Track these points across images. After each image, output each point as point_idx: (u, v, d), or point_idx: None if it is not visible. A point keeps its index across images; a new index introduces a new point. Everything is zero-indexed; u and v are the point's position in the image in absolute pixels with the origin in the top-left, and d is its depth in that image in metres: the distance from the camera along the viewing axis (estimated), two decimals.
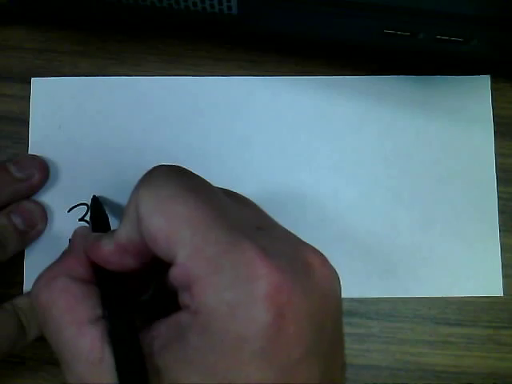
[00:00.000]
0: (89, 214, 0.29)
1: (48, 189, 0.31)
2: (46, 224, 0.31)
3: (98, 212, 0.27)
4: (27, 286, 0.30)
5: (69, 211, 0.31)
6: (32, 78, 0.32)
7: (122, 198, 0.31)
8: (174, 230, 0.19)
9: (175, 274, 0.19)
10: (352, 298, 0.31)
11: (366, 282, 0.31)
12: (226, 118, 0.32)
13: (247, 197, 0.24)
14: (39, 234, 0.30)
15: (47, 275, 0.22)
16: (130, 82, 0.32)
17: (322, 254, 0.20)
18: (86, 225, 0.29)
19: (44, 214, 0.31)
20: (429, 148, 0.32)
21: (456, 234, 0.31)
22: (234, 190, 0.24)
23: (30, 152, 0.31)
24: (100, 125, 0.32)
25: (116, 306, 0.21)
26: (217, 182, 0.31)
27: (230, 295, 0.18)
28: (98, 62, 0.32)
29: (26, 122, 0.32)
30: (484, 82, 0.32)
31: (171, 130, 0.32)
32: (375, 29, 0.28)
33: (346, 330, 0.30)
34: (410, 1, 0.25)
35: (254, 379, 0.17)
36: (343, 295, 0.31)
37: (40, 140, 0.32)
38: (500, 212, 0.31)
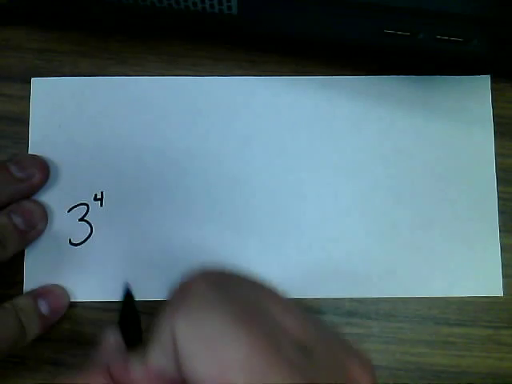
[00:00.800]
0: (121, 313, 0.25)
1: (48, 189, 0.31)
2: (47, 224, 0.31)
3: (131, 314, 0.24)
4: (27, 286, 0.30)
5: (69, 211, 0.31)
6: (32, 78, 0.32)
7: (122, 198, 0.31)
8: (227, 378, 0.17)
9: None
10: (352, 298, 0.31)
11: (365, 282, 0.31)
12: (226, 118, 0.32)
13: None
14: (39, 233, 0.30)
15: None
16: (130, 81, 0.32)
17: (368, 368, 0.19)
18: (87, 225, 0.29)
19: (44, 214, 0.30)
20: (429, 148, 0.32)
21: (456, 234, 0.31)
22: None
23: (30, 152, 0.31)
24: (100, 125, 0.32)
25: None
26: (217, 182, 0.32)
27: None
28: (98, 62, 0.32)
29: (26, 122, 0.32)
30: (484, 82, 0.32)
31: (171, 129, 0.32)
32: (375, 29, 0.28)
33: (346, 329, 0.30)
34: (410, 1, 0.25)
35: None
36: (343, 295, 0.31)
37: (40, 140, 0.32)
38: (500, 212, 0.31)
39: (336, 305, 0.31)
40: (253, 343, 0.17)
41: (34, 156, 0.31)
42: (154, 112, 0.32)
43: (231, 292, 0.19)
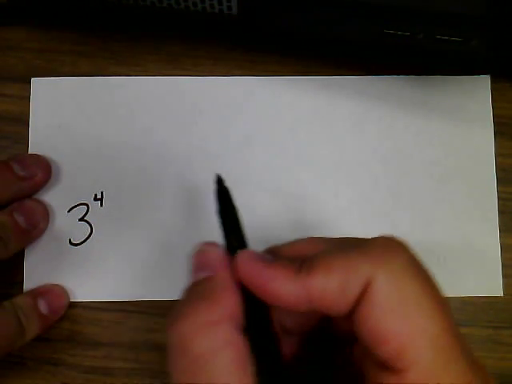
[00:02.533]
0: (218, 207, 0.21)
1: (48, 188, 0.31)
2: (48, 223, 0.31)
3: (231, 212, 0.21)
4: (27, 285, 0.30)
5: (69, 211, 0.31)
6: (32, 78, 0.32)
7: (122, 198, 0.31)
8: (415, 345, 0.17)
9: (394, 382, 0.18)
10: None
11: None
12: (226, 118, 0.32)
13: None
14: (41, 232, 0.30)
15: (205, 318, 0.18)
16: (130, 81, 0.32)
17: None
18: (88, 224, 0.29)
19: (46, 213, 0.30)
20: (429, 148, 0.32)
21: (456, 233, 0.31)
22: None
23: (29, 151, 0.31)
24: (100, 125, 0.32)
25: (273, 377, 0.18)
26: None
27: None
28: (98, 62, 0.32)
29: (26, 122, 0.32)
30: (484, 82, 0.32)
31: (171, 129, 0.32)
32: (375, 29, 0.28)
33: None
34: (410, 1, 0.25)
35: None
36: None
37: (40, 140, 0.32)
38: (500, 212, 0.31)
39: None
40: (445, 326, 0.18)
41: (36, 155, 0.31)
42: (154, 112, 0.32)
43: (429, 274, 0.20)
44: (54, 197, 0.31)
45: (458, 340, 0.18)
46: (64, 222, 0.31)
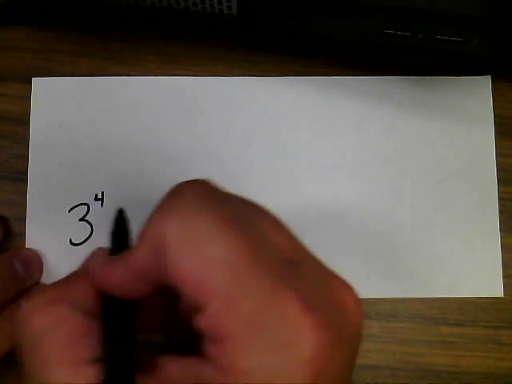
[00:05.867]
0: (113, 228, 0.25)
1: (48, 189, 0.31)
2: (42, 274, 0.30)
3: (122, 231, 0.23)
4: None
5: (69, 211, 0.31)
6: (32, 78, 0.32)
7: (121, 198, 0.31)
8: (208, 275, 0.17)
9: (203, 324, 0.17)
10: None
11: (366, 282, 0.31)
12: (226, 118, 0.32)
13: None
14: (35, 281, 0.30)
15: (46, 297, 0.19)
16: (130, 81, 0.32)
17: (352, 290, 0.19)
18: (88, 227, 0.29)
19: (41, 264, 0.30)
20: (429, 148, 0.32)
21: (456, 234, 0.31)
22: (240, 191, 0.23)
23: (30, 152, 0.31)
24: (100, 125, 0.32)
25: (118, 350, 0.18)
26: (217, 182, 0.31)
27: (269, 359, 0.16)
28: (98, 62, 0.32)
29: (26, 122, 0.32)
30: (485, 83, 0.32)
31: (171, 129, 0.32)
32: (375, 29, 0.28)
33: None
34: (410, 1, 0.25)
35: None
36: None
37: (40, 140, 0.32)
38: (500, 212, 0.31)
39: None
40: (238, 245, 0.17)
41: (35, 253, 0.30)
42: (154, 112, 0.32)
43: (221, 201, 0.19)
44: (54, 197, 0.31)
45: (260, 258, 0.17)
46: (64, 222, 0.31)
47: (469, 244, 0.31)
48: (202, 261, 0.17)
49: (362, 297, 0.30)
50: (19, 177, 0.31)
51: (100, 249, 0.22)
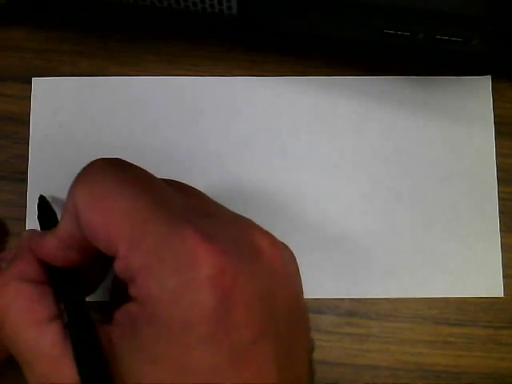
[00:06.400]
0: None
1: (48, 188, 0.31)
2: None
3: (45, 211, 0.26)
4: None
5: None
6: (33, 78, 0.32)
7: None
8: (113, 224, 0.19)
9: (118, 267, 0.19)
10: (352, 298, 0.31)
11: (366, 281, 0.31)
12: (226, 118, 0.32)
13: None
14: None
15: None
16: (130, 81, 0.32)
17: (271, 236, 0.21)
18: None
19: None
20: (429, 148, 0.32)
21: (456, 234, 0.31)
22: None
23: (30, 152, 0.31)
24: (100, 125, 0.32)
25: (70, 301, 0.21)
26: (216, 182, 0.32)
27: (172, 282, 0.18)
28: (98, 62, 0.32)
29: (26, 122, 0.32)
30: (485, 83, 0.32)
31: (171, 130, 0.32)
32: (375, 29, 0.28)
33: (346, 330, 0.30)
34: (410, 1, 0.25)
35: (205, 364, 0.18)
36: (343, 295, 0.31)
37: (40, 140, 0.32)
38: (500, 212, 0.31)
39: (336, 305, 0.31)
40: (136, 196, 0.19)
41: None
42: (154, 112, 0.32)
43: (127, 169, 0.22)
44: (54, 197, 0.31)
45: (160, 205, 0.19)
46: None
47: (469, 244, 0.31)
48: (106, 212, 0.19)
49: (363, 297, 0.31)
50: (19, 177, 0.31)
51: (30, 230, 0.24)
